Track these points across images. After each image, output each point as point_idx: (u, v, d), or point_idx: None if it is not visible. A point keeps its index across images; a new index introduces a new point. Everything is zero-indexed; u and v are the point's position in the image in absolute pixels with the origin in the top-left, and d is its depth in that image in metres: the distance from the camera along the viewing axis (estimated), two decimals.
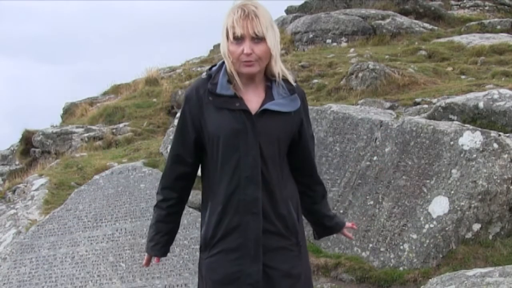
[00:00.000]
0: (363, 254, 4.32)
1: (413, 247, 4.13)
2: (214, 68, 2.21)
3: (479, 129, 4.48)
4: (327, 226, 2.42)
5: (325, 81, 8.74)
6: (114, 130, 9.59)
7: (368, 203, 4.55)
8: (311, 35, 12.32)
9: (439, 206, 4.20)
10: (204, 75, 2.20)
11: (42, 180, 6.73)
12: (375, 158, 4.74)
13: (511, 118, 4.97)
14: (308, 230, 4.61)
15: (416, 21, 12.43)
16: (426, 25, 12.29)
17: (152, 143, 8.10)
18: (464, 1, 14.57)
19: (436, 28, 12.20)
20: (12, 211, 6.09)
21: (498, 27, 11.29)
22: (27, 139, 10.08)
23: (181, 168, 2.24)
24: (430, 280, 3.39)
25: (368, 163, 4.76)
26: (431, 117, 5.45)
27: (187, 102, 2.19)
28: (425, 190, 4.34)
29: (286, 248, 2.19)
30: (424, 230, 4.16)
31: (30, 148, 9.99)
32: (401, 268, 4.09)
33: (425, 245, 4.10)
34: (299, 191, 2.30)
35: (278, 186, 2.16)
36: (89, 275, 4.55)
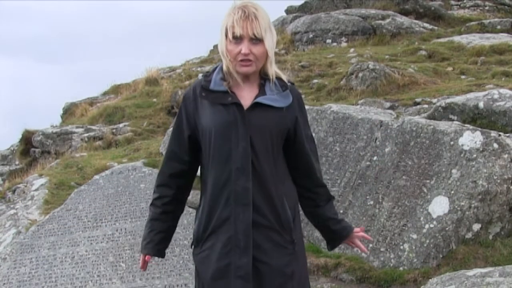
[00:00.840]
0: (363, 254, 4.31)
1: (413, 247, 4.13)
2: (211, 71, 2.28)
3: (479, 129, 4.48)
4: (332, 229, 2.37)
5: (325, 81, 8.74)
6: (114, 130, 9.59)
7: (368, 203, 4.55)
8: (311, 35, 12.32)
9: (439, 206, 4.20)
10: (200, 75, 2.25)
11: (42, 180, 6.73)
12: (375, 158, 4.74)
13: (511, 118, 4.96)
14: (308, 230, 4.62)
15: (416, 21, 12.43)
16: (426, 25, 12.29)
17: (152, 143, 8.10)
18: (464, 1, 14.57)
19: (436, 28, 12.21)
20: (12, 211, 6.09)
21: (498, 27, 11.29)
22: (27, 139, 10.08)
23: (176, 165, 2.26)
24: (430, 280, 3.39)
25: (368, 163, 4.76)
26: (431, 117, 5.45)
27: (184, 101, 2.25)
28: (425, 190, 4.34)
29: (279, 244, 2.18)
30: (424, 230, 4.15)
31: (30, 148, 9.99)
32: (401, 268, 4.09)
33: (425, 245, 4.10)
34: (299, 194, 2.31)
35: (272, 180, 2.17)
36: (89, 275, 4.55)
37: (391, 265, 4.15)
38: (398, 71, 8.16)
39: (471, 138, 4.35)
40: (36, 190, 6.49)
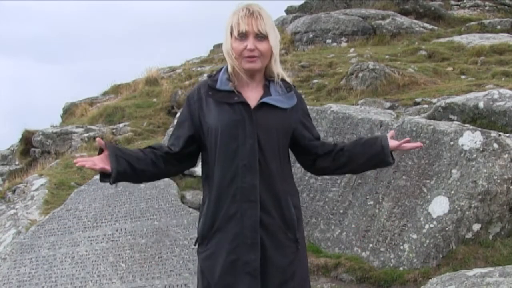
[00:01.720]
0: (363, 254, 4.32)
1: (413, 247, 4.13)
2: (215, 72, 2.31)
3: (479, 129, 4.48)
4: (368, 139, 2.33)
5: (325, 81, 8.74)
6: (114, 130, 9.59)
7: (368, 203, 4.55)
8: (311, 35, 12.32)
9: (439, 206, 4.20)
10: (205, 76, 2.26)
11: (42, 180, 6.73)
12: None
13: (511, 118, 4.96)
14: (308, 230, 4.62)
15: (416, 21, 12.43)
16: (426, 25, 12.30)
17: (152, 143, 8.08)
18: (464, 1, 14.58)
19: (436, 28, 12.21)
20: (12, 211, 6.08)
21: (498, 27, 11.29)
22: (27, 139, 10.08)
23: (167, 149, 2.28)
24: (430, 280, 3.38)
25: None
26: (431, 117, 5.45)
27: (188, 101, 2.28)
28: (425, 190, 4.34)
29: (283, 243, 2.19)
30: (424, 230, 4.15)
31: (30, 148, 9.99)
32: (401, 268, 4.09)
33: (425, 245, 4.10)
34: (326, 166, 2.33)
35: (278, 179, 2.20)
36: (89, 275, 4.55)
37: (391, 265, 4.15)
38: (398, 71, 8.16)
39: (471, 138, 4.35)
40: (36, 190, 6.49)
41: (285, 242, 2.20)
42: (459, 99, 5.53)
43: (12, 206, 6.32)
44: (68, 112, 12.82)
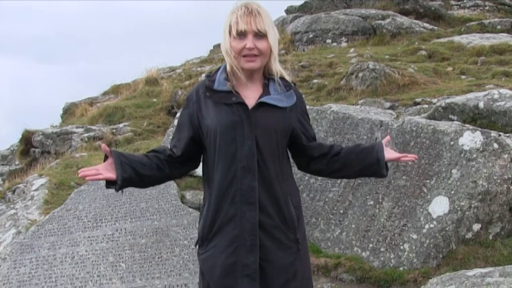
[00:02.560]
0: (363, 254, 4.32)
1: (413, 247, 4.13)
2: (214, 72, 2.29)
3: (479, 129, 4.48)
4: (365, 148, 2.32)
5: (325, 81, 8.74)
6: (114, 130, 9.59)
7: (368, 203, 4.54)
8: (311, 35, 12.32)
9: (439, 206, 4.20)
10: (203, 76, 2.25)
11: (42, 180, 6.73)
12: None
13: (511, 118, 4.96)
14: (308, 230, 4.62)
15: (416, 21, 12.44)
16: (426, 25, 12.30)
17: (152, 143, 8.09)
18: (464, 1, 14.58)
19: (436, 28, 12.21)
20: (12, 211, 6.08)
21: (498, 27, 11.29)
22: (27, 139, 10.08)
23: (167, 150, 2.27)
24: (430, 280, 3.38)
25: None
26: (431, 117, 5.45)
27: (187, 102, 2.27)
28: (425, 190, 4.34)
29: (283, 243, 2.19)
30: (424, 230, 4.15)
31: (30, 148, 10.00)
32: (401, 268, 4.09)
33: (425, 245, 4.10)
34: (320, 168, 2.33)
35: (277, 180, 2.18)
36: (89, 275, 4.55)
37: (391, 265, 4.15)
38: (398, 71, 8.16)
39: (471, 138, 4.35)
40: (36, 190, 6.49)
41: (285, 242, 2.19)
42: (459, 99, 5.53)
43: (12, 206, 6.32)
44: (68, 112, 12.83)
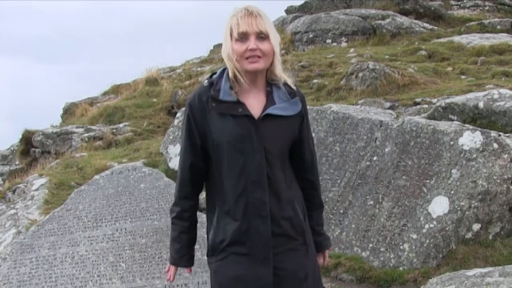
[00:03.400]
0: (363, 254, 4.32)
1: (413, 247, 4.13)
2: (215, 76, 2.22)
3: (479, 129, 4.48)
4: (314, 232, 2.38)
5: (325, 81, 8.75)
6: (114, 130, 9.59)
7: (368, 203, 4.55)
8: (311, 35, 12.32)
9: (439, 206, 4.20)
10: (205, 82, 2.19)
11: (42, 180, 6.73)
12: (375, 158, 4.74)
13: (511, 118, 4.96)
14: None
15: (416, 21, 12.44)
16: (426, 25, 12.30)
17: (152, 143, 8.10)
18: (464, 1, 14.58)
19: (436, 28, 12.21)
20: (12, 211, 6.09)
21: (498, 27, 11.30)
22: (27, 139, 10.09)
23: (198, 175, 2.25)
24: (430, 280, 3.38)
25: (368, 163, 4.76)
26: (431, 117, 5.45)
27: (190, 109, 2.18)
28: (425, 190, 4.34)
29: (293, 249, 2.20)
30: (424, 230, 4.16)
31: (30, 148, 10.00)
32: (401, 268, 4.09)
33: (425, 245, 4.10)
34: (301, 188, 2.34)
35: (284, 187, 2.19)
36: (89, 275, 4.55)
37: (391, 265, 4.15)
38: (398, 71, 8.17)
39: (471, 138, 4.35)
40: (36, 190, 6.49)
41: (295, 247, 2.20)
42: (459, 99, 5.53)
43: (12, 206, 6.32)
44: (68, 112, 12.83)
